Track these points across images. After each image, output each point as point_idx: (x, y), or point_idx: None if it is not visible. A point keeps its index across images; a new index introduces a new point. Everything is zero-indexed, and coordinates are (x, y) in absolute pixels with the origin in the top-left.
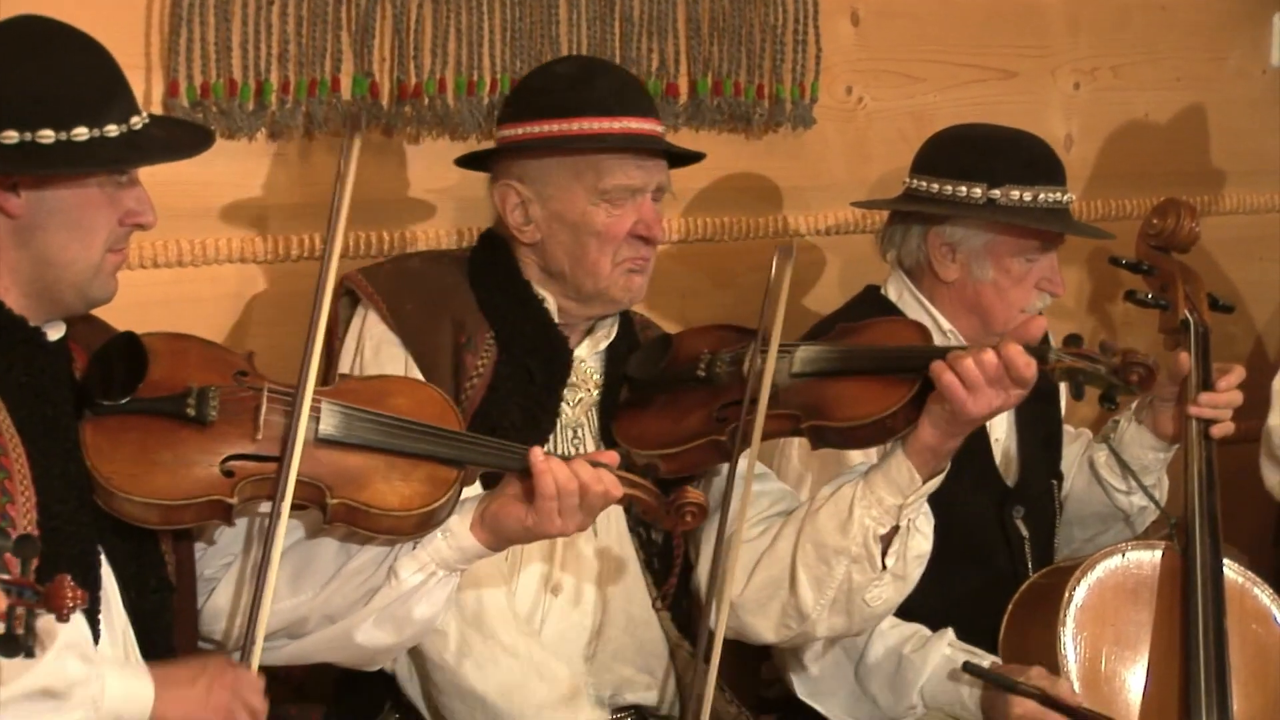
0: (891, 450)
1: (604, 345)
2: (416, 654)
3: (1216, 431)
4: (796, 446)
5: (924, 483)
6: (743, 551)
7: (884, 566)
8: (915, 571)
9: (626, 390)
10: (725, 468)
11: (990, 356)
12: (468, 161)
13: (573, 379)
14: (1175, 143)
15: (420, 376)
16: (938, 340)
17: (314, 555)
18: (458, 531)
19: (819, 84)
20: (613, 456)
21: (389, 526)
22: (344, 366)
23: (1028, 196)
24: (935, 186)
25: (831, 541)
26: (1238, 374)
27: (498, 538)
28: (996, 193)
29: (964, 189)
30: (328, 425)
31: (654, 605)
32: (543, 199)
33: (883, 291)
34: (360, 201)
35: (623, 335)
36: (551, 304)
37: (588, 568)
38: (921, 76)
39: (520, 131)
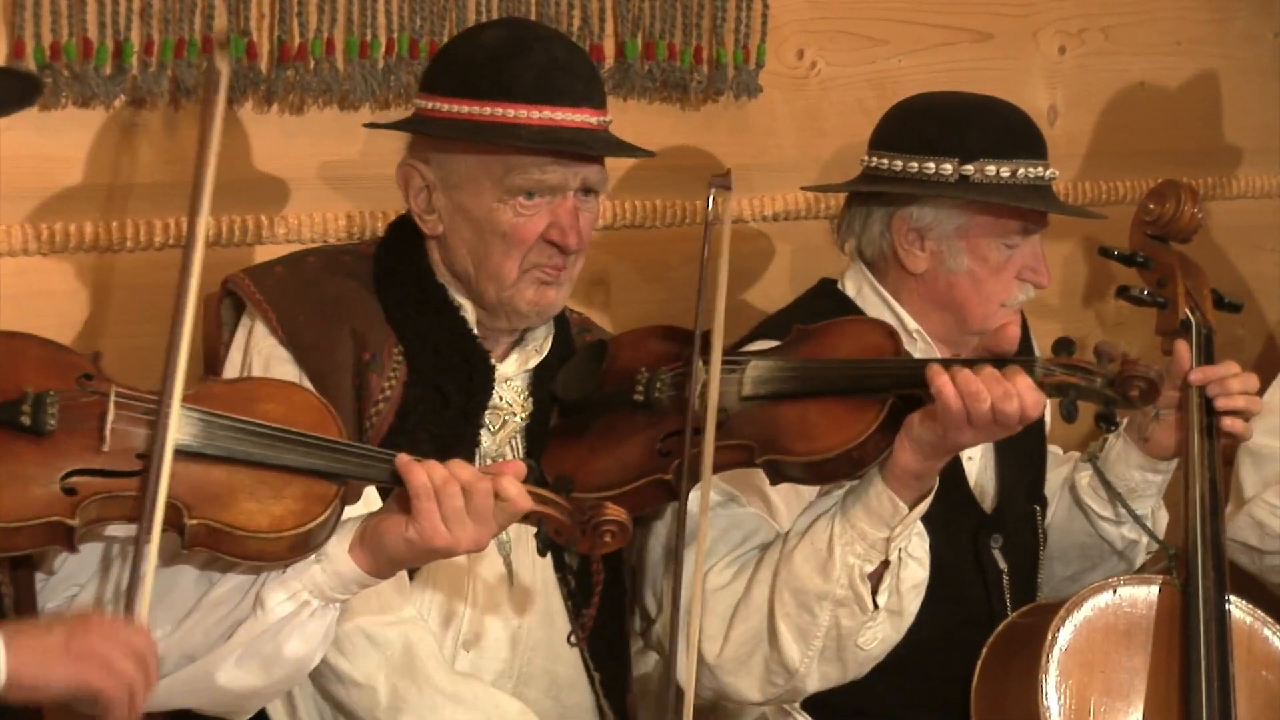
0: (869, 478)
1: (534, 361)
2: (346, 713)
3: (1232, 426)
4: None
5: (910, 510)
6: (716, 601)
7: (875, 605)
8: (913, 604)
9: (556, 413)
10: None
11: (1014, 406)
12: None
13: (495, 401)
14: (1174, 116)
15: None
16: (904, 342)
17: (170, 585)
18: (334, 555)
19: (765, 47)
20: (518, 467)
21: (257, 551)
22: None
23: (1005, 171)
24: (899, 164)
25: (812, 586)
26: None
27: (379, 559)
28: (969, 168)
29: (932, 165)
30: (185, 435)
31: (569, 639)
32: (447, 187)
33: (839, 286)
34: (234, 180)
35: (558, 348)
36: (469, 312)
37: (504, 616)
38: (884, 38)
39: (430, 106)
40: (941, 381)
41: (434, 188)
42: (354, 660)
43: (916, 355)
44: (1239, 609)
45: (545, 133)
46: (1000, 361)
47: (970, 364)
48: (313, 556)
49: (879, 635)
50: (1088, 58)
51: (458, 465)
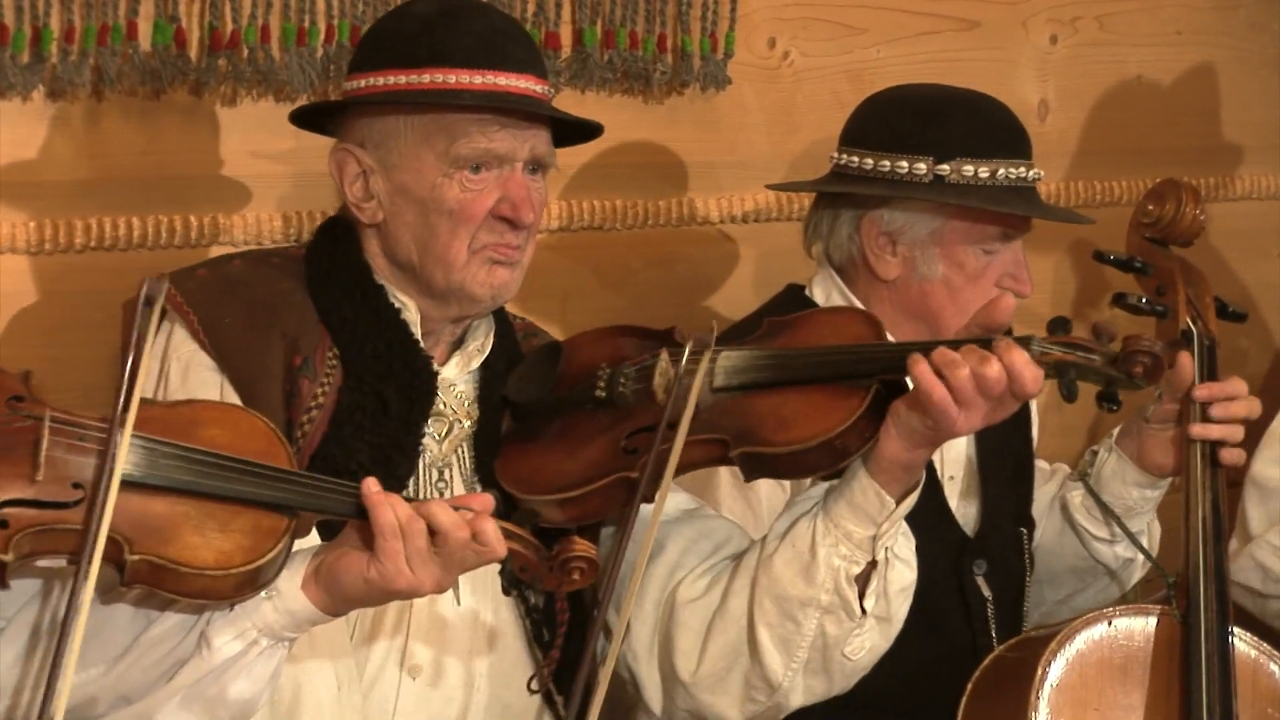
0: (851, 471)
1: (477, 362)
2: None
3: (1226, 457)
4: (727, 478)
5: (897, 504)
6: (690, 615)
7: (863, 611)
8: (901, 608)
9: (509, 418)
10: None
11: (995, 369)
12: (303, 120)
13: (438, 407)
14: (1174, 111)
15: (238, 403)
16: None
17: (105, 620)
18: (286, 591)
19: (734, 35)
20: (486, 500)
21: (201, 589)
22: (144, 393)
23: (984, 172)
24: (869, 162)
25: (795, 592)
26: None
27: (335, 597)
28: (945, 168)
29: (905, 164)
30: (127, 463)
31: (529, 686)
32: (386, 168)
33: (807, 292)
34: (162, 178)
35: (501, 348)
36: (412, 312)
37: (454, 640)
38: (862, 27)
39: (363, 84)
40: (919, 367)
41: (371, 172)
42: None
43: None
44: (1243, 642)
45: (490, 96)
46: (991, 341)
47: (957, 345)
48: (263, 593)
49: (867, 644)
50: (1081, 48)
51: (437, 507)
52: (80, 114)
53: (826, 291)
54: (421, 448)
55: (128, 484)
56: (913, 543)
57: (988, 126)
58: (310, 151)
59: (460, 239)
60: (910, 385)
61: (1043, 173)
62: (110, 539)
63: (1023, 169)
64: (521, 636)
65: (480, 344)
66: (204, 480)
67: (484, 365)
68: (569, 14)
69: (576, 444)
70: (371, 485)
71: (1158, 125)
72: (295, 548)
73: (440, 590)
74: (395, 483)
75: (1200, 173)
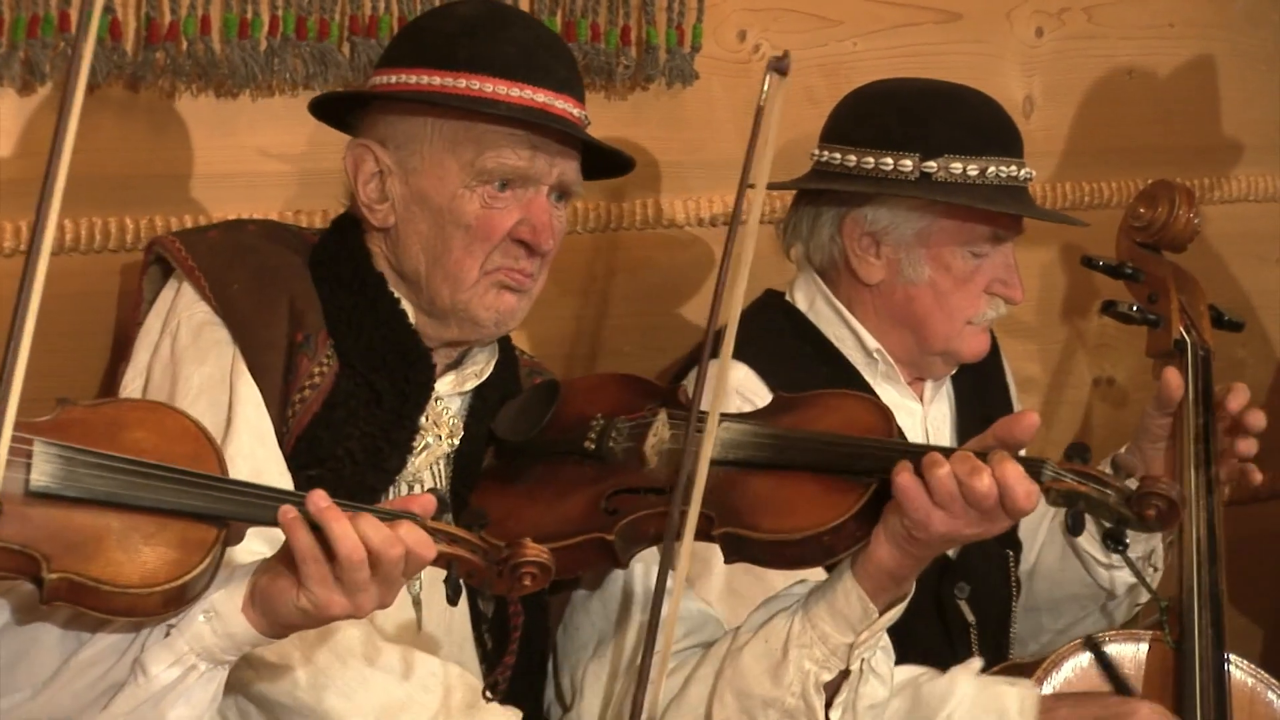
0: (838, 573)
1: (471, 385)
2: (257, 700)
3: (1253, 475)
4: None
5: (880, 614)
6: (647, 697)
7: None
8: None
9: (493, 454)
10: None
11: (985, 482)
12: (322, 112)
13: (423, 419)
14: (1167, 108)
15: (247, 375)
16: (863, 365)
17: (29, 644)
18: (225, 614)
19: (702, 27)
20: (426, 502)
21: (127, 607)
22: (140, 358)
23: (973, 170)
24: (852, 159)
25: (759, 690)
26: (1244, 392)
27: (273, 623)
28: (932, 165)
29: (890, 161)
30: (42, 474)
31: (484, 695)
32: (405, 171)
33: (788, 299)
34: (96, 177)
35: (500, 376)
36: (409, 311)
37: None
38: (837, 18)
39: (393, 80)
40: (898, 465)
41: (389, 173)
42: (270, 675)
43: (877, 379)
44: (1240, 669)
45: (527, 111)
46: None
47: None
48: (200, 614)
49: None
50: (1068, 41)
51: (368, 525)
52: (8, 110)
53: (810, 297)
54: (411, 447)
55: (45, 496)
56: (892, 659)
57: (977, 122)
58: (254, 151)
59: (474, 256)
60: None
61: (1034, 172)
62: (25, 554)
63: (1014, 168)
64: (475, 650)
65: (479, 369)
66: (127, 491)
67: (478, 390)
68: (526, 3)
69: (556, 494)
70: (288, 511)
71: (1149, 123)
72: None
73: (383, 607)
74: (381, 477)
75: (1195, 173)
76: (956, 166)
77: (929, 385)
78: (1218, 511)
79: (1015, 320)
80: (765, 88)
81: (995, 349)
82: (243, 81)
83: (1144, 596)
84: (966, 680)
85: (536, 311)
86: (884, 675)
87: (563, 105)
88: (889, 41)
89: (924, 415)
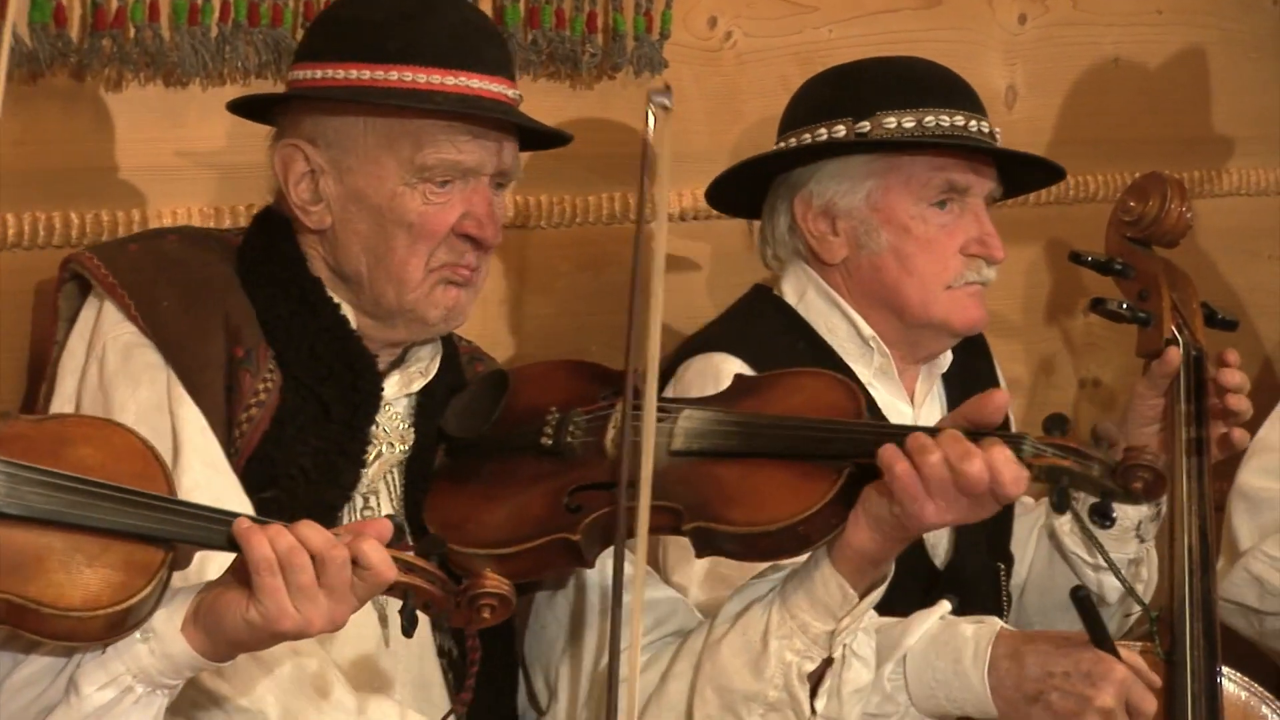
0: (814, 560)
1: (418, 385)
2: None
3: (1241, 438)
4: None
5: (861, 599)
6: (621, 695)
7: (813, 711)
8: (854, 709)
9: (444, 452)
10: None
11: (978, 466)
12: (245, 110)
13: (373, 427)
14: (1157, 99)
15: (186, 399)
16: (859, 354)
17: None
18: (164, 633)
19: (671, 14)
20: (381, 527)
21: (68, 631)
22: (67, 384)
23: (909, 122)
24: (793, 141)
25: (740, 685)
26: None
27: (217, 641)
28: (865, 125)
29: (824, 131)
30: None
31: None
32: (340, 170)
33: (776, 292)
34: (40, 170)
35: (445, 373)
36: (349, 314)
37: (375, 684)
38: (811, 5)
39: (318, 75)
40: (889, 451)
41: (321, 172)
42: (236, 682)
43: (871, 375)
44: (1232, 682)
45: (463, 101)
46: (978, 434)
47: (935, 432)
48: (138, 634)
49: None
50: (1053, 29)
51: (308, 528)
52: None
53: (800, 289)
54: (365, 458)
55: None
56: (874, 640)
57: (909, 76)
58: (205, 141)
59: (418, 255)
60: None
61: (996, 130)
62: None
63: (960, 118)
64: (439, 670)
65: (424, 367)
66: (71, 510)
67: (424, 390)
68: None
69: (515, 493)
70: (243, 521)
71: (1138, 114)
72: (178, 583)
73: (334, 627)
74: (338, 492)
75: (1186, 166)
76: (890, 120)
77: (920, 386)
78: (1210, 517)
79: (999, 318)
80: (650, 124)
81: (987, 351)
82: (192, 70)
83: (1136, 607)
84: (929, 620)
85: (500, 310)
86: (867, 658)
87: (498, 88)
88: (866, 28)
89: (914, 418)
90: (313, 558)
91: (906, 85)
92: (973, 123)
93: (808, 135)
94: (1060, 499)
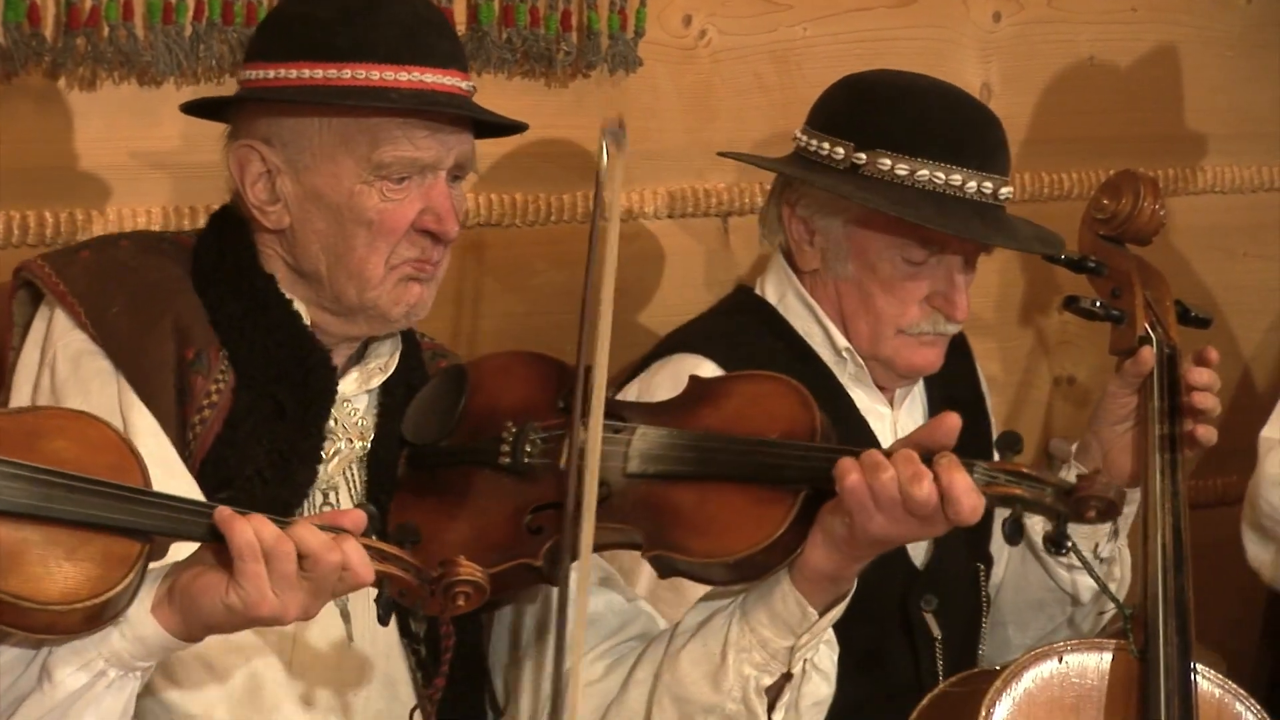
0: (775, 577)
1: (378, 381)
2: None
3: (1205, 435)
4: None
5: (821, 616)
6: (585, 699)
7: None
8: None
9: (405, 460)
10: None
11: (925, 490)
12: (200, 110)
13: (328, 425)
14: (1131, 96)
15: (138, 404)
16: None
17: None
18: (134, 617)
19: (646, 12)
20: (358, 518)
21: (46, 624)
22: (22, 391)
23: (902, 170)
24: (802, 140)
25: (699, 697)
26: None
27: (191, 622)
28: (862, 157)
29: (826, 146)
30: None
31: (410, 718)
32: (296, 170)
33: (759, 292)
34: (14, 169)
35: (405, 368)
36: (303, 312)
37: (337, 681)
38: (786, 3)
39: (271, 75)
40: (844, 463)
41: (278, 172)
42: (189, 692)
43: (847, 380)
44: (1207, 680)
45: (418, 96)
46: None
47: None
48: None
49: None
50: (1027, 26)
51: (304, 529)
52: None
53: (780, 290)
54: (321, 457)
55: None
56: (835, 652)
57: (922, 120)
58: (180, 140)
59: (379, 253)
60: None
61: (1005, 190)
62: None
63: (958, 177)
64: (405, 665)
65: (383, 363)
66: (47, 504)
67: (384, 387)
68: None
69: (477, 511)
70: (224, 510)
71: (1112, 111)
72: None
73: (307, 617)
74: (293, 491)
75: (1160, 164)
76: (885, 163)
77: (900, 389)
78: (1184, 515)
79: (974, 317)
80: (603, 157)
81: (967, 352)
82: (166, 69)
83: (1110, 604)
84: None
85: (475, 308)
86: (827, 671)
87: (451, 81)
88: (841, 27)
89: (894, 420)
90: (305, 557)
91: (914, 127)
92: (971, 183)
93: (814, 142)
94: (1012, 529)
